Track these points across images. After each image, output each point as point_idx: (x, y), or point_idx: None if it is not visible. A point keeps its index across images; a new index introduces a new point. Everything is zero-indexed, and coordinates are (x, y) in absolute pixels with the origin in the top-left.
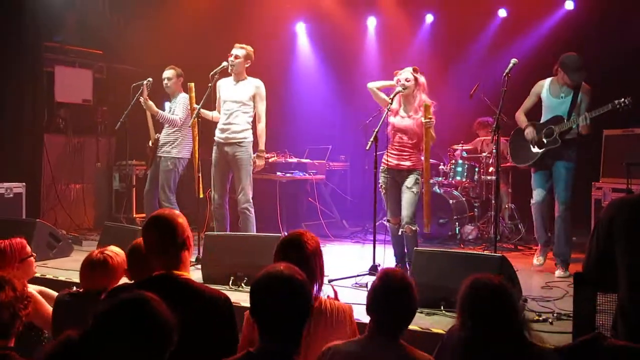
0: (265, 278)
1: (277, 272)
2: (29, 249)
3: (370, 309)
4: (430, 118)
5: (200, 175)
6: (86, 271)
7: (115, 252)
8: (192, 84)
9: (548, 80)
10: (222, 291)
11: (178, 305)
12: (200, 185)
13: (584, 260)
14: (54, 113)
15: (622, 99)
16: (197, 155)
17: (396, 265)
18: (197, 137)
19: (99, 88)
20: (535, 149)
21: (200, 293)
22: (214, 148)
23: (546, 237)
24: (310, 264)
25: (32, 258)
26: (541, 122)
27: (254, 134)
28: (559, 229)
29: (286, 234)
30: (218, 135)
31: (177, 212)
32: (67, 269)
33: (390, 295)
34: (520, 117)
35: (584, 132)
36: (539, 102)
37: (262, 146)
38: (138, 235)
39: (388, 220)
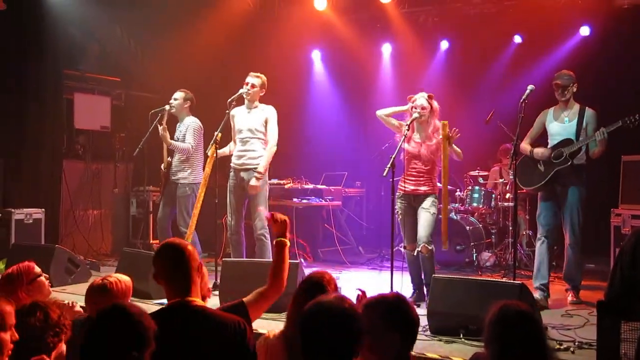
0: (316, 309)
1: (327, 303)
2: (37, 269)
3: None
4: (451, 133)
5: (217, 201)
6: (88, 297)
7: (119, 278)
8: (220, 134)
9: (551, 109)
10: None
11: (195, 332)
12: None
13: (606, 287)
14: (73, 139)
15: (633, 116)
16: (209, 170)
17: (412, 294)
18: (214, 164)
19: (117, 115)
20: (543, 169)
21: (217, 319)
22: (231, 174)
23: (548, 278)
24: None
25: (42, 278)
26: (548, 147)
27: (276, 155)
28: (570, 256)
29: (303, 261)
30: (234, 161)
31: (185, 241)
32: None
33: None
34: (525, 146)
35: (596, 155)
36: (544, 133)
37: (260, 167)
38: None
39: (404, 247)
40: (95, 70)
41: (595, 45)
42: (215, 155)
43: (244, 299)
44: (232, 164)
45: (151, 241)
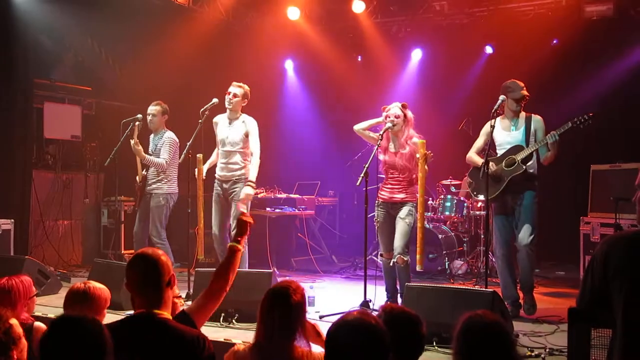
0: (340, 324)
1: (352, 319)
2: (34, 287)
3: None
4: (427, 153)
5: (190, 211)
6: (69, 303)
7: (98, 286)
8: (201, 156)
9: (497, 119)
10: (215, 328)
11: (154, 345)
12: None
13: (578, 295)
14: (43, 149)
15: (582, 116)
16: (201, 194)
17: (387, 300)
18: (202, 176)
19: (88, 124)
20: (496, 177)
21: (178, 333)
22: (215, 185)
23: (516, 295)
24: (294, 314)
25: (35, 296)
26: (498, 156)
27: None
28: (523, 261)
29: (276, 270)
30: (218, 172)
31: (161, 251)
32: (56, 306)
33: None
34: (474, 157)
35: (548, 160)
36: (491, 144)
37: (250, 177)
38: None
39: (381, 255)
40: (66, 79)
41: (564, 56)
42: (201, 173)
43: (185, 309)
44: (216, 175)
45: (123, 252)
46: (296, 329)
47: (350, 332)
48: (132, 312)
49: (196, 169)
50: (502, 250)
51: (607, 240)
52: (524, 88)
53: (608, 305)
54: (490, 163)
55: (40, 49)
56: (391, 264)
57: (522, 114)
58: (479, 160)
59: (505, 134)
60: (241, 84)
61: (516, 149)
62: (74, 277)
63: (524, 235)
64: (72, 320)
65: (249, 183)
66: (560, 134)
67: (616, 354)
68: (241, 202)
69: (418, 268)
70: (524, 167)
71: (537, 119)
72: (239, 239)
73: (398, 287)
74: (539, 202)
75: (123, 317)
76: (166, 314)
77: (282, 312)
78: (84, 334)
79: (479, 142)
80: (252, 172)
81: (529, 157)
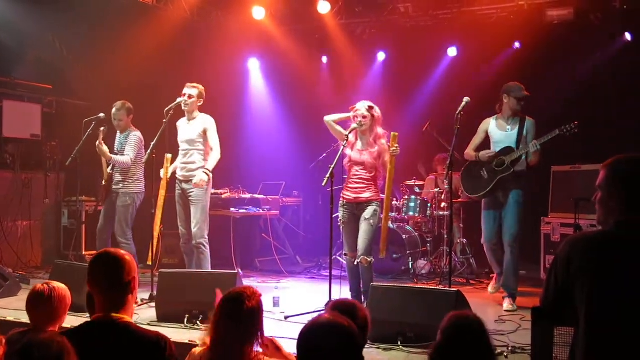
0: (312, 328)
1: (324, 321)
2: None
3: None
4: (396, 147)
5: (154, 211)
6: (32, 305)
7: (61, 286)
8: (170, 156)
9: (493, 117)
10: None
11: (115, 350)
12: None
13: (541, 294)
14: (2, 148)
15: (568, 125)
16: (162, 194)
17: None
18: (167, 177)
19: (48, 123)
20: (486, 176)
21: (139, 336)
22: (176, 186)
23: (501, 269)
24: (248, 321)
25: None
26: (492, 155)
27: (218, 166)
28: (507, 262)
29: (240, 271)
30: (178, 173)
31: (124, 251)
32: (16, 308)
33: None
34: (470, 152)
35: (533, 163)
36: (486, 140)
37: (208, 165)
38: None
39: (345, 254)
40: (26, 77)
41: (526, 59)
42: (167, 176)
43: None
44: (176, 175)
45: (84, 252)
46: (251, 334)
47: (322, 334)
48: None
49: (162, 169)
50: (488, 244)
51: (569, 240)
52: (525, 89)
53: (571, 304)
54: (483, 153)
55: (0, 46)
56: (355, 263)
57: (518, 115)
58: (475, 155)
59: (500, 133)
60: (195, 85)
61: (507, 150)
62: (33, 279)
63: (507, 230)
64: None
65: (205, 170)
66: (542, 144)
67: (578, 352)
68: (194, 185)
69: (380, 256)
70: (513, 169)
71: (530, 122)
72: None
73: (362, 287)
74: (526, 202)
75: (82, 321)
76: (127, 317)
77: (235, 318)
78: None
79: (476, 140)
80: (210, 162)
81: (517, 160)
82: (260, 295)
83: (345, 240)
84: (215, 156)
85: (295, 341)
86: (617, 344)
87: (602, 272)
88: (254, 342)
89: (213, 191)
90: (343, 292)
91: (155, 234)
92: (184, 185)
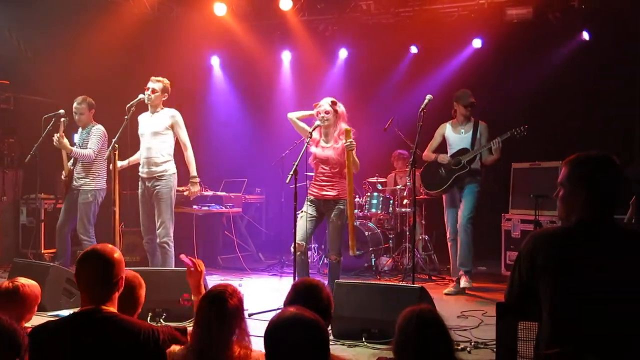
0: (278, 323)
1: (289, 315)
2: None
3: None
4: (351, 141)
5: (116, 209)
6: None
7: (27, 282)
8: (117, 146)
9: (449, 122)
10: None
11: (106, 339)
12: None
13: (506, 290)
14: None
15: (519, 127)
16: (117, 189)
17: None
18: (117, 172)
19: (6, 119)
20: (444, 174)
21: (128, 325)
22: (139, 183)
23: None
24: (231, 319)
25: None
26: (449, 155)
27: (182, 162)
28: (462, 240)
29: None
30: (141, 169)
31: (112, 247)
32: None
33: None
34: (429, 154)
35: (488, 162)
36: (442, 143)
37: (193, 172)
38: (50, 272)
39: (294, 247)
40: None
41: (487, 57)
42: (116, 168)
43: None
44: (139, 173)
45: (43, 251)
46: (233, 332)
47: (289, 329)
48: (56, 312)
49: (113, 161)
50: (452, 235)
51: (532, 236)
52: (471, 96)
53: (535, 299)
54: (442, 156)
55: None
56: (299, 253)
57: (471, 119)
58: (434, 156)
59: (455, 136)
60: (160, 79)
61: (463, 151)
62: None
63: (463, 214)
64: None
65: (193, 180)
66: (502, 141)
67: (543, 346)
68: (190, 196)
69: (351, 253)
70: (469, 167)
71: (483, 126)
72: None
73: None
74: (480, 192)
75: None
76: (112, 309)
77: (218, 318)
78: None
79: (434, 143)
80: (192, 166)
81: (473, 159)
82: (240, 292)
83: (299, 229)
84: (191, 156)
85: (261, 338)
86: (579, 339)
87: (563, 268)
88: (238, 339)
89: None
90: None
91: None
92: (148, 184)
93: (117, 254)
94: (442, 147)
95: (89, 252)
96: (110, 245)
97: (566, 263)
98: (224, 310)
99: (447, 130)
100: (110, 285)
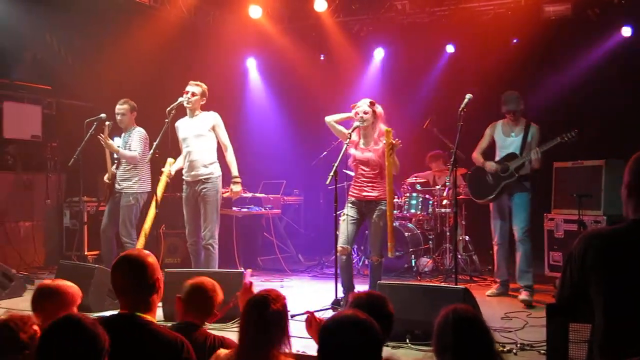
0: (333, 323)
1: (347, 317)
2: None
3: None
4: (394, 141)
5: (157, 211)
6: (37, 300)
7: (69, 284)
8: (172, 160)
9: (500, 122)
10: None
11: (135, 347)
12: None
13: (556, 291)
14: (3, 150)
15: (569, 132)
16: (161, 192)
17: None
18: (166, 176)
19: (49, 124)
20: (492, 181)
21: (159, 336)
22: (184, 186)
23: (507, 276)
24: (275, 324)
25: None
26: (496, 160)
27: (224, 164)
28: (521, 253)
29: (249, 270)
30: (185, 173)
31: (147, 251)
32: (22, 309)
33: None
34: (478, 157)
35: (536, 167)
36: (492, 143)
37: (234, 172)
38: (95, 274)
39: (337, 251)
40: (25, 78)
41: (524, 55)
42: (169, 175)
43: None
44: (183, 177)
45: (86, 253)
46: (274, 337)
47: (345, 329)
48: (101, 314)
49: (164, 170)
50: (500, 240)
51: (584, 236)
52: (514, 101)
53: (586, 299)
54: (489, 165)
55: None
56: (344, 259)
57: (523, 120)
58: (482, 161)
59: (505, 138)
60: (198, 83)
61: (511, 156)
62: (37, 280)
63: (518, 227)
64: (70, 321)
65: (235, 179)
66: (543, 151)
67: (596, 348)
68: (233, 197)
69: (389, 255)
70: (517, 175)
71: (534, 128)
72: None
73: (369, 285)
74: (533, 199)
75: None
76: (149, 317)
77: (261, 322)
78: (82, 334)
79: (483, 144)
80: (234, 167)
81: (521, 166)
82: (284, 297)
83: (341, 232)
84: (232, 157)
85: (301, 339)
86: (635, 339)
87: (617, 267)
88: (281, 345)
89: None
90: None
91: (143, 232)
92: (194, 187)
93: (150, 258)
94: (492, 146)
95: (120, 260)
96: (142, 250)
97: (619, 262)
98: (265, 315)
99: (497, 131)
100: (146, 288)
